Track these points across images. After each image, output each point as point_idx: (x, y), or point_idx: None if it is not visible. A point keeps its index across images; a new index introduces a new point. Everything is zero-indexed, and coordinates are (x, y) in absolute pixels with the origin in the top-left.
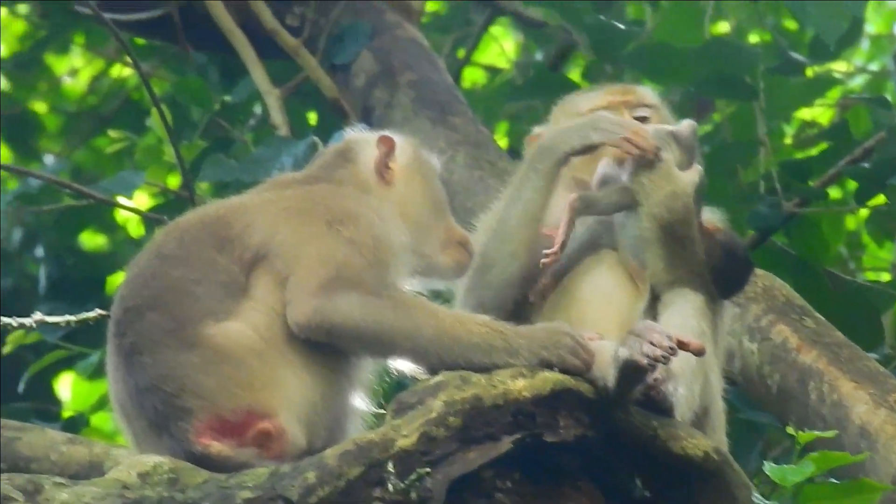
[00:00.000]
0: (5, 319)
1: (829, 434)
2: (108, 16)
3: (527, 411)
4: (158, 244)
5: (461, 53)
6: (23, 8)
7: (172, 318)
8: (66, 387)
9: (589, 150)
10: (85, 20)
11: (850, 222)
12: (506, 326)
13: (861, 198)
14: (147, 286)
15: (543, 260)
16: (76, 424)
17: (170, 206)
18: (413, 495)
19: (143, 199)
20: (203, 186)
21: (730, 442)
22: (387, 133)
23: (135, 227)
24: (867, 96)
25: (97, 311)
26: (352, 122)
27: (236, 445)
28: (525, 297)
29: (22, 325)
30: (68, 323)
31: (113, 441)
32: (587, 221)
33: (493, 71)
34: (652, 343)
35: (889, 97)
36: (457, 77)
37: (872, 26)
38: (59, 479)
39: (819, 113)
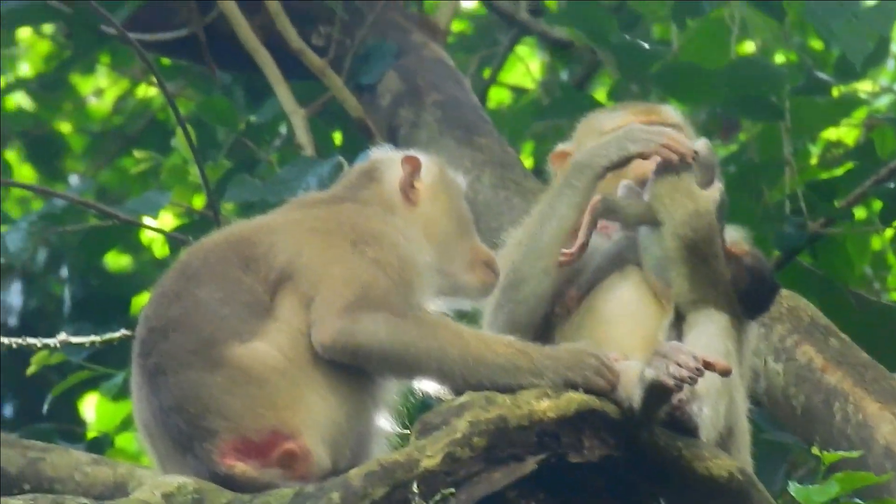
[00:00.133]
0: (30, 340)
1: (854, 454)
2: (133, 36)
3: (551, 432)
4: (183, 264)
5: (487, 73)
6: (48, 28)
7: (197, 339)
8: (91, 407)
9: (627, 161)
10: (110, 40)
11: (876, 242)
12: (531, 347)
13: (886, 218)
14: (172, 306)
15: (560, 259)
16: (100, 445)
17: (195, 226)
18: None
19: (167, 220)
20: (228, 206)
21: (755, 462)
22: (412, 152)
23: (159, 248)
24: (893, 116)
25: (122, 332)
26: (377, 142)
27: (261, 466)
28: (554, 312)
29: (46, 346)
30: (93, 343)
31: (137, 461)
32: (613, 235)
33: (518, 91)
34: (678, 364)
35: None
36: (482, 97)
37: None
38: (83, 500)
39: (845, 133)
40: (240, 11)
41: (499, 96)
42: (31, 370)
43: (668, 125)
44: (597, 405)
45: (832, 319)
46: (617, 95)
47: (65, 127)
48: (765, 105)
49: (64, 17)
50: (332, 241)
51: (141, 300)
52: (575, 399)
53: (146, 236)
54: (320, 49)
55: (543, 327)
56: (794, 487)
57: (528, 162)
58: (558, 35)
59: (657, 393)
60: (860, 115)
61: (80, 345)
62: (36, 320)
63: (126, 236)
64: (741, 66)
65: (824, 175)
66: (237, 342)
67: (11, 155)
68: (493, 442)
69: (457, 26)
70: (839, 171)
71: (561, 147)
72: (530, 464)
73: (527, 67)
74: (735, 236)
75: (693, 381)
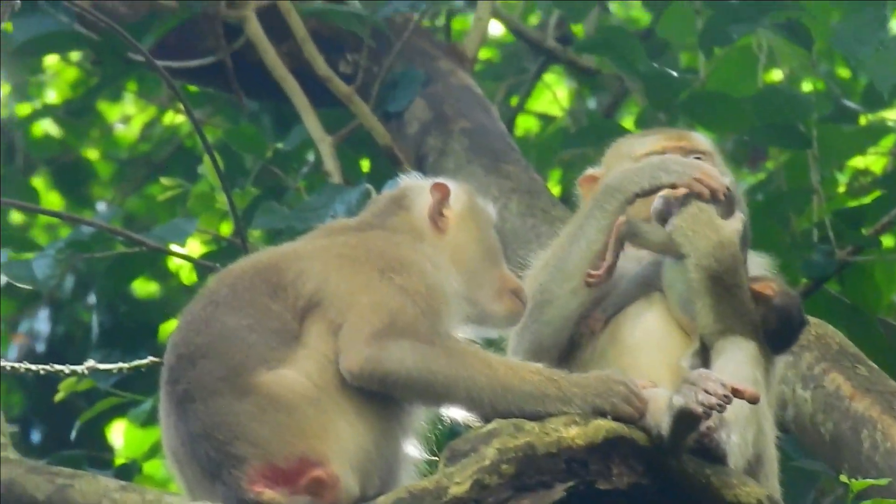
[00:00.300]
0: (58, 367)
1: (882, 482)
2: (160, 63)
3: (580, 459)
4: (212, 291)
5: (514, 101)
6: (75, 55)
7: (225, 366)
8: (119, 434)
9: (657, 190)
10: (137, 67)
11: None
12: (559, 374)
13: None
14: (200, 333)
15: (587, 280)
16: (129, 471)
17: (222, 253)
18: None
19: (195, 247)
20: (255, 234)
21: (783, 490)
22: (441, 180)
23: (187, 275)
24: None
25: (149, 359)
26: (405, 170)
27: (289, 493)
28: (578, 332)
29: (74, 373)
30: (120, 370)
31: (166, 488)
32: (641, 260)
33: (546, 118)
34: (707, 391)
35: None
36: (510, 125)
37: None
38: None
39: (872, 161)
40: (267, 38)
41: (526, 124)
42: (59, 397)
43: (698, 152)
44: (625, 432)
45: (860, 347)
46: (644, 123)
47: (92, 154)
48: (792, 133)
49: (91, 44)
50: (361, 268)
51: (169, 327)
52: (603, 426)
53: (174, 263)
54: (348, 76)
55: (568, 349)
56: None
57: (555, 190)
58: (586, 63)
59: (686, 420)
60: (888, 143)
61: (108, 371)
62: (63, 347)
63: (153, 263)
64: (768, 95)
65: (852, 203)
66: (265, 369)
67: (39, 182)
68: (522, 469)
69: (484, 54)
70: (867, 199)
71: (590, 171)
72: (559, 491)
73: (554, 95)
74: (762, 266)
75: (721, 409)
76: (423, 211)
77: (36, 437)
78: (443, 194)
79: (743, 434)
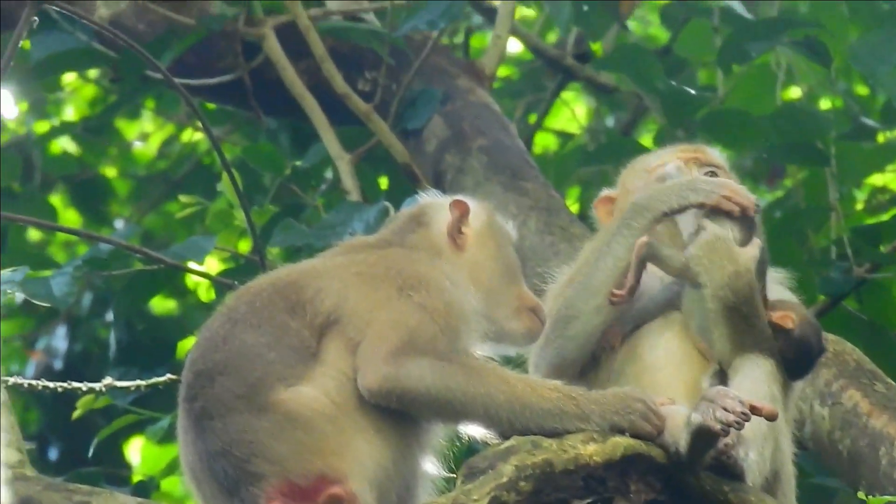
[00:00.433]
0: (75, 384)
1: None
2: (179, 80)
3: (598, 476)
4: (230, 308)
5: (533, 118)
6: (93, 73)
7: (244, 383)
8: (136, 451)
9: (686, 209)
10: (156, 85)
11: None
12: (577, 391)
13: None
14: (218, 350)
15: (611, 298)
16: (146, 489)
17: (240, 270)
18: None
19: (213, 264)
20: (274, 251)
21: None
22: (460, 197)
23: (205, 292)
24: None
25: (167, 376)
26: (423, 188)
27: None
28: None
29: (92, 390)
30: (138, 387)
31: None
32: (664, 278)
33: (564, 136)
34: (725, 408)
35: None
36: (528, 142)
37: None
38: None
39: (890, 178)
40: (285, 56)
41: (544, 141)
42: (76, 414)
43: (712, 165)
44: (643, 449)
45: (878, 364)
46: (662, 141)
47: (110, 171)
48: (810, 151)
49: (109, 61)
50: (379, 285)
51: (186, 344)
52: (621, 443)
53: (191, 281)
54: (366, 94)
55: (586, 365)
56: None
57: (573, 207)
58: (604, 80)
59: (704, 437)
60: None
61: (126, 389)
62: (81, 364)
63: (171, 281)
64: (787, 112)
65: (870, 220)
66: (283, 386)
67: (57, 199)
68: (540, 486)
69: (503, 71)
70: (885, 217)
71: (606, 192)
72: None
73: (572, 113)
74: (780, 281)
75: (739, 426)
76: (441, 228)
77: (53, 454)
78: (461, 212)
79: (760, 451)
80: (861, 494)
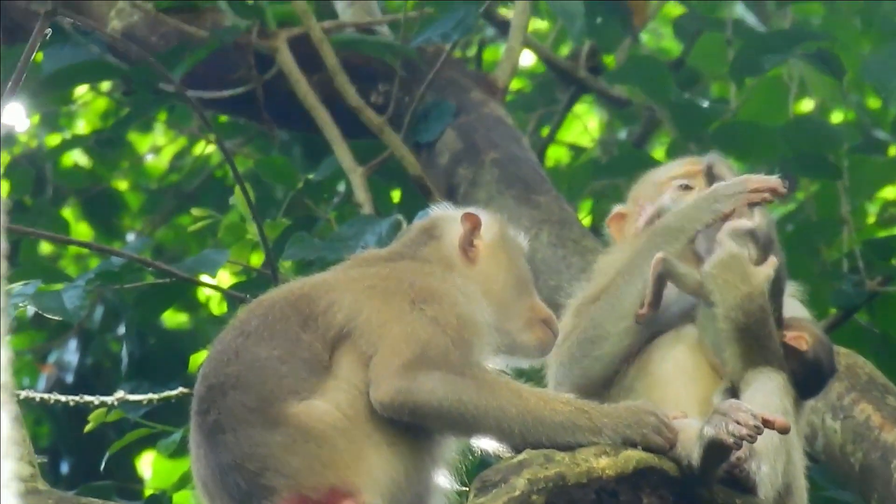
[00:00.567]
0: (87, 398)
1: None
2: (191, 93)
3: (610, 489)
4: (242, 322)
5: (545, 131)
6: (105, 85)
7: (256, 396)
8: (148, 465)
9: (720, 221)
10: (168, 97)
11: None
12: (589, 405)
13: None
14: (231, 364)
15: (636, 319)
16: (158, 502)
17: (252, 284)
18: None
19: (225, 277)
20: (286, 264)
21: None
22: (473, 210)
23: (217, 305)
24: None
25: (179, 390)
26: (436, 200)
27: None
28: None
29: (104, 404)
30: (150, 401)
31: None
32: (679, 291)
33: (577, 149)
34: (737, 421)
35: None
36: (541, 155)
37: None
38: None
39: None
40: (298, 69)
41: (557, 154)
42: (88, 428)
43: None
44: (655, 463)
45: (890, 377)
46: (675, 153)
47: (122, 184)
48: (822, 163)
49: (121, 74)
50: (392, 299)
51: (199, 358)
52: (633, 457)
53: (204, 294)
54: (379, 107)
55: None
56: None
57: (586, 220)
58: (617, 93)
59: (716, 451)
60: None
61: (138, 402)
62: (93, 378)
63: (183, 294)
64: (799, 125)
65: (882, 233)
66: (296, 400)
67: (68, 212)
68: (552, 499)
69: (516, 84)
70: None
71: (618, 209)
72: None
73: (585, 126)
74: (792, 293)
75: (752, 439)
76: (453, 241)
77: (65, 468)
78: (474, 224)
79: (773, 464)
80: None
